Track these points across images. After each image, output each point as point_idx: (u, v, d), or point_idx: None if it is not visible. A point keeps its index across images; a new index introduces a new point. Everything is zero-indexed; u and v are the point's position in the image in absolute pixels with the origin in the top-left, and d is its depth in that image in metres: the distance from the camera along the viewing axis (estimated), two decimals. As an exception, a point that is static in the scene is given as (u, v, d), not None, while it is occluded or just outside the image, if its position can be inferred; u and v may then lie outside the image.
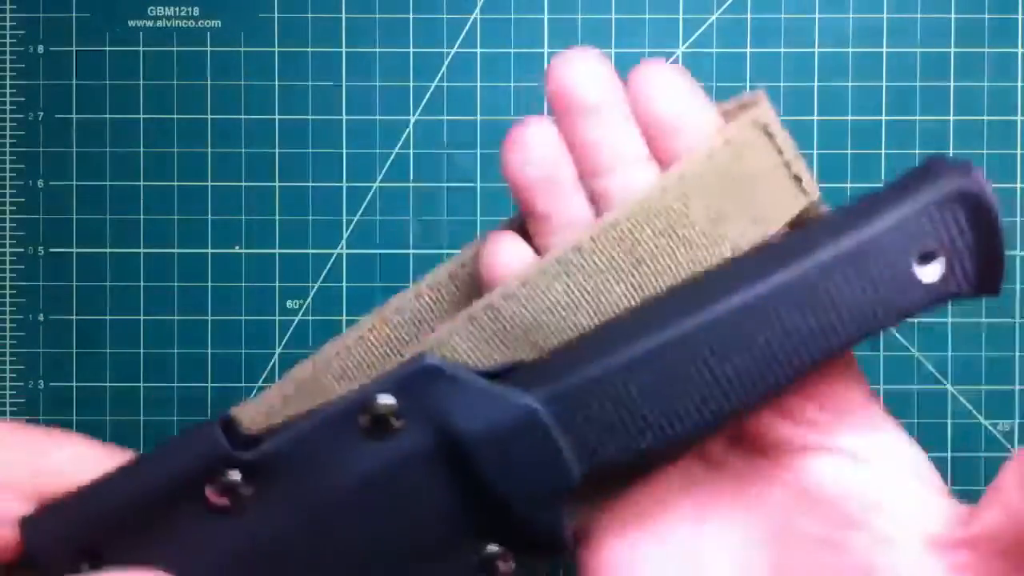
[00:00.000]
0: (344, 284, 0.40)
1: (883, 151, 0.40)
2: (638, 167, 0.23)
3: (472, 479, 0.22)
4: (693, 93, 0.24)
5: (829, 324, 0.22)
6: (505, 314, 0.23)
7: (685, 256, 0.23)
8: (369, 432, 0.22)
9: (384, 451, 0.22)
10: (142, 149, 0.40)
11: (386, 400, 0.22)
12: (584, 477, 0.22)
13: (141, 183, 0.40)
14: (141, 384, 0.40)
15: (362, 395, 0.22)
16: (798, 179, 0.24)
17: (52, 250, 0.40)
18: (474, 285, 0.26)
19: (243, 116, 0.40)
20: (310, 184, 0.40)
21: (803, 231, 0.23)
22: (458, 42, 0.40)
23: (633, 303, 0.23)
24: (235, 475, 0.22)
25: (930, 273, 0.22)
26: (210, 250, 0.40)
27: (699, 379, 0.22)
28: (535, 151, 0.23)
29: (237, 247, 0.40)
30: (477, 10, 0.40)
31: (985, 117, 0.40)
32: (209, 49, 0.40)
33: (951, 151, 0.40)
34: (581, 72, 0.23)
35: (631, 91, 0.24)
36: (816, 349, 0.22)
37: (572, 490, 0.22)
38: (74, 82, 0.40)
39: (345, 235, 0.40)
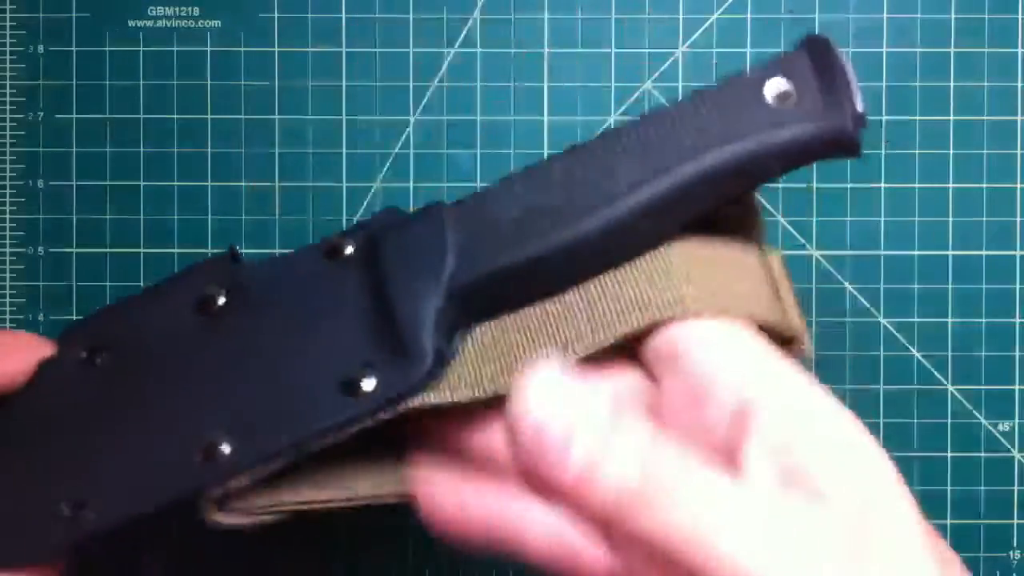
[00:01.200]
0: (344, 284, 0.40)
1: (883, 151, 0.40)
2: None
3: (376, 280, 0.24)
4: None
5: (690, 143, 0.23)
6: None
7: None
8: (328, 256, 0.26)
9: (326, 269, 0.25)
10: (142, 149, 0.40)
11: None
12: (468, 287, 0.23)
13: (141, 183, 0.40)
14: (141, 384, 0.40)
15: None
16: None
17: (52, 250, 0.40)
18: None
19: (243, 116, 0.40)
20: (310, 184, 0.40)
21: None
22: (458, 42, 0.40)
23: None
24: (220, 291, 0.26)
25: (775, 92, 0.23)
26: (210, 250, 0.40)
27: (575, 193, 0.24)
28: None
29: (237, 247, 0.40)
30: (477, 10, 0.40)
31: (985, 117, 0.40)
32: (209, 49, 0.40)
33: (951, 151, 0.40)
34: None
35: None
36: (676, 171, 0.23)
37: (452, 293, 0.23)
38: (74, 82, 0.40)
39: (345, 235, 0.40)
